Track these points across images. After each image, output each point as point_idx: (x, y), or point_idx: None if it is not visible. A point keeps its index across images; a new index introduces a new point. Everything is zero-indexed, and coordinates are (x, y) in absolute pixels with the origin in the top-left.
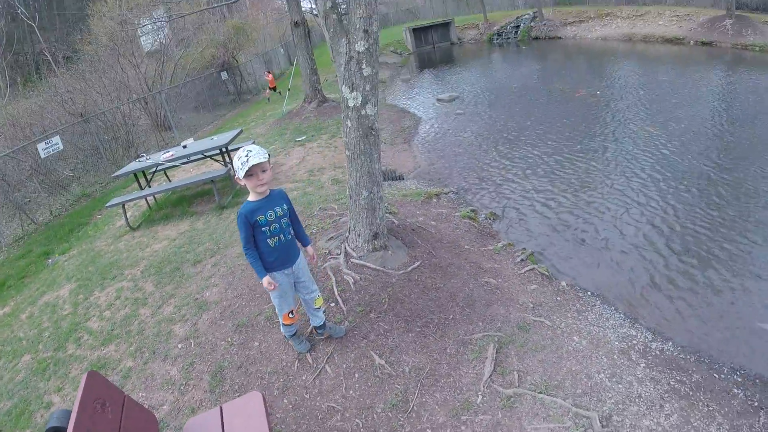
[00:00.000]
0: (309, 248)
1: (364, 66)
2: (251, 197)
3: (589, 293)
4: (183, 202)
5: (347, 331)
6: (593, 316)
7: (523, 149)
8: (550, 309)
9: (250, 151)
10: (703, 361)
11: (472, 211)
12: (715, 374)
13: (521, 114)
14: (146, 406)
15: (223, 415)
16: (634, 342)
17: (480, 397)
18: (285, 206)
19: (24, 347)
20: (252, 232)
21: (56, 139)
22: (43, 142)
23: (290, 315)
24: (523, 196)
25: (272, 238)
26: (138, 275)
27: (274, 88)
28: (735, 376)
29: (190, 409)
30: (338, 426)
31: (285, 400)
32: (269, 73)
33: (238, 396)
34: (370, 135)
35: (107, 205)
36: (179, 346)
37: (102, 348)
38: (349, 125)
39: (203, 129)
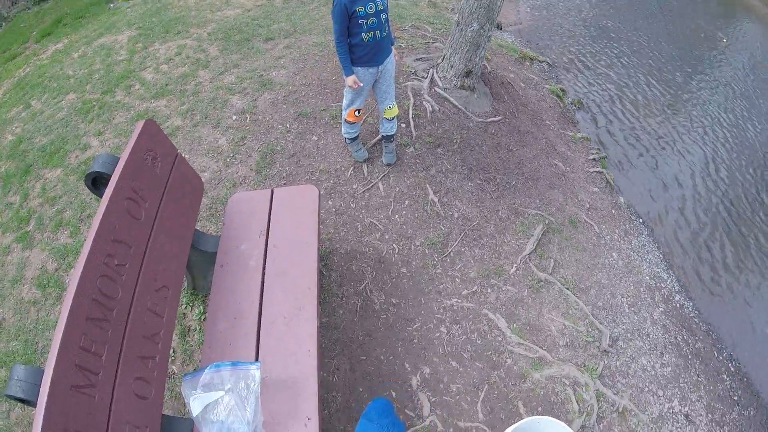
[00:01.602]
0: (392, 47)
1: None
2: None
3: (641, 220)
4: None
5: (406, 158)
6: (637, 243)
7: (630, 53)
8: (602, 217)
9: None
10: (710, 335)
11: (562, 89)
12: (715, 352)
13: (639, 17)
14: None
15: (273, 199)
16: (662, 285)
17: (514, 268)
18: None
19: (71, 85)
20: (348, 23)
21: None
22: None
23: (356, 113)
24: (613, 99)
25: (368, 32)
26: (204, 36)
27: None
28: (730, 365)
29: (232, 182)
30: (374, 244)
31: (330, 202)
32: None
33: (285, 184)
34: None
35: None
36: (233, 117)
37: (152, 101)
38: None
39: None
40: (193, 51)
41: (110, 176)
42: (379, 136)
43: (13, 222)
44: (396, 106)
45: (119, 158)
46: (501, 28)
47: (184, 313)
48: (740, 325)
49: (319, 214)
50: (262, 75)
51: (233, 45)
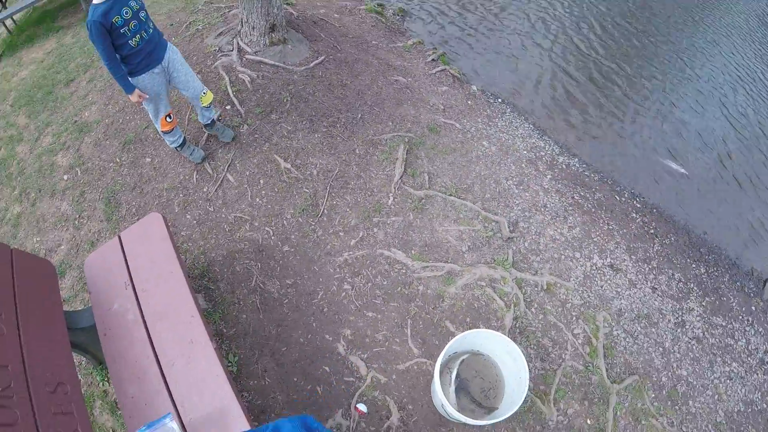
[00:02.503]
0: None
1: None
2: None
3: (499, 100)
4: (47, 18)
5: (243, 138)
6: (503, 123)
7: None
8: (460, 112)
9: None
10: (606, 182)
11: (379, 5)
12: (616, 196)
13: None
14: (43, 251)
15: (123, 244)
16: (542, 153)
17: (391, 198)
18: None
19: None
20: (110, 39)
21: None
22: None
23: (168, 119)
24: None
25: (134, 38)
26: (8, 110)
27: None
28: (635, 202)
29: (89, 243)
30: (248, 236)
31: (188, 216)
32: None
33: (138, 220)
34: None
35: None
36: (65, 177)
37: None
38: None
39: None
40: (3, 130)
41: None
42: (207, 134)
43: None
44: (209, 91)
45: None
46: None
47: (105, 391)
48: (627, 160)
49: (172, 238)
50: (75, 121)
51: (39, 105)
